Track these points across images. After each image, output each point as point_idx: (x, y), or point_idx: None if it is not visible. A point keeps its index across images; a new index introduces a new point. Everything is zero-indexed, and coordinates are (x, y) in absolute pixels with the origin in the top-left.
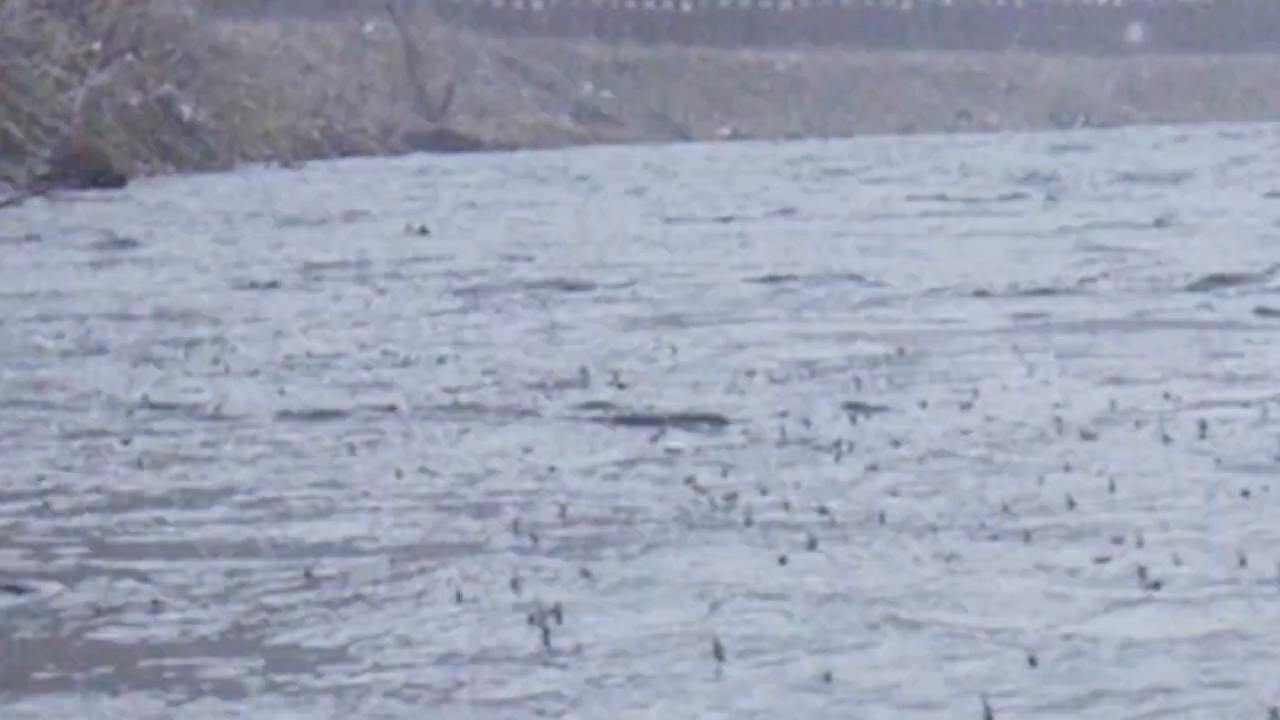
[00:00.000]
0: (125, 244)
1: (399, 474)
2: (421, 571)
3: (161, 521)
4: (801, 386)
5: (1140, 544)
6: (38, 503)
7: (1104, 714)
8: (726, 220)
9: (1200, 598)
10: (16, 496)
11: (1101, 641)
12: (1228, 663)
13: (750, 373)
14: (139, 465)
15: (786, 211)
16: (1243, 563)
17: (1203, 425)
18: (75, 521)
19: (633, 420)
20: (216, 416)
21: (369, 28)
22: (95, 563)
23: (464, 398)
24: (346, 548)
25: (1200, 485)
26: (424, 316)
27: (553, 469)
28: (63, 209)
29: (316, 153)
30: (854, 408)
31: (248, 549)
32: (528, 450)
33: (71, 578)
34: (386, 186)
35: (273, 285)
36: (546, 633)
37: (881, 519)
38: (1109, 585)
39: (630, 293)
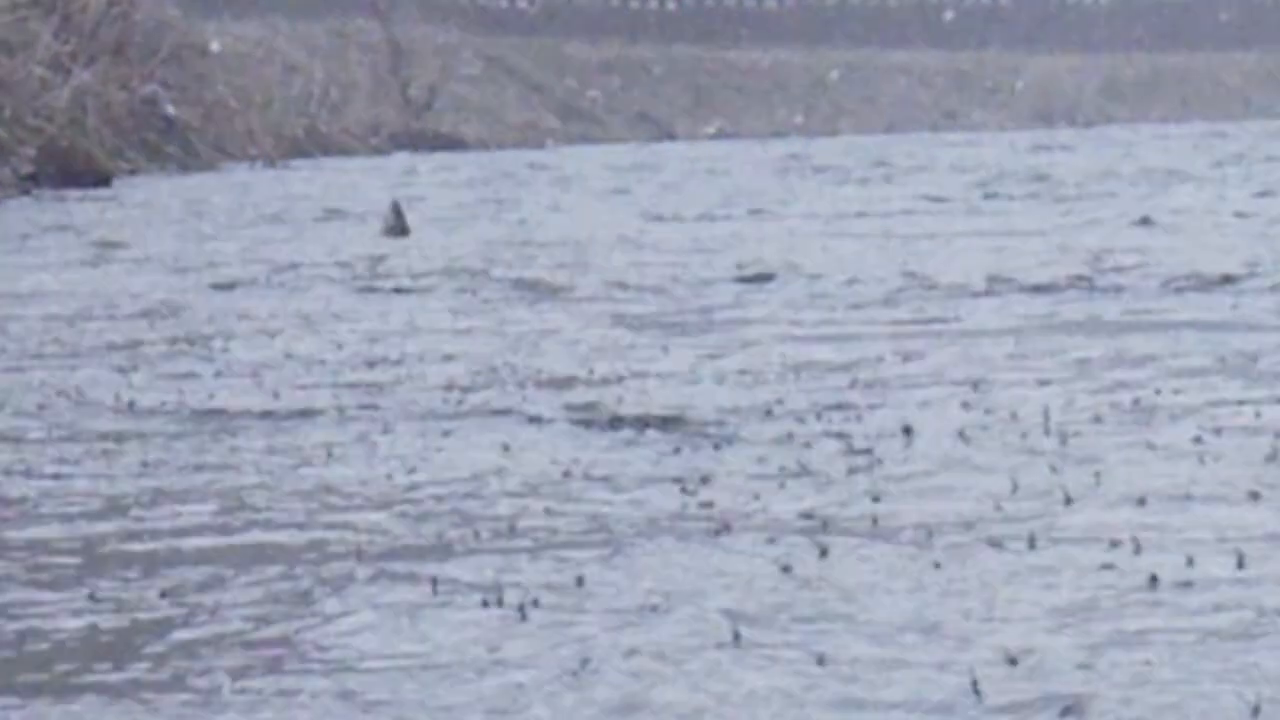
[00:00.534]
0: (108, 245)
1: (389, 476)
2: (408, 575)
3: (152, 528)
4: (793, 386)
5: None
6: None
7: None
8: (711, 219)
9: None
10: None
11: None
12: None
13: (741, 373)
14: (137, 468)
15: (769, 210)
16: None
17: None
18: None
19: (618, 423)
20: (203, 416)
21: (353, 27)
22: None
23: (447, 399)
24: (325, 552)
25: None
26: (405, 317)
27: (533, 471)
28: (47, 208)
29: (300, 152)
30: (844, 408)
31: (229, 553)
32: (507, 451)
33: (73, 583)
34: (369, 186)
35: (252, 284)
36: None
37: (874, 522)
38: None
39: (615, 293)
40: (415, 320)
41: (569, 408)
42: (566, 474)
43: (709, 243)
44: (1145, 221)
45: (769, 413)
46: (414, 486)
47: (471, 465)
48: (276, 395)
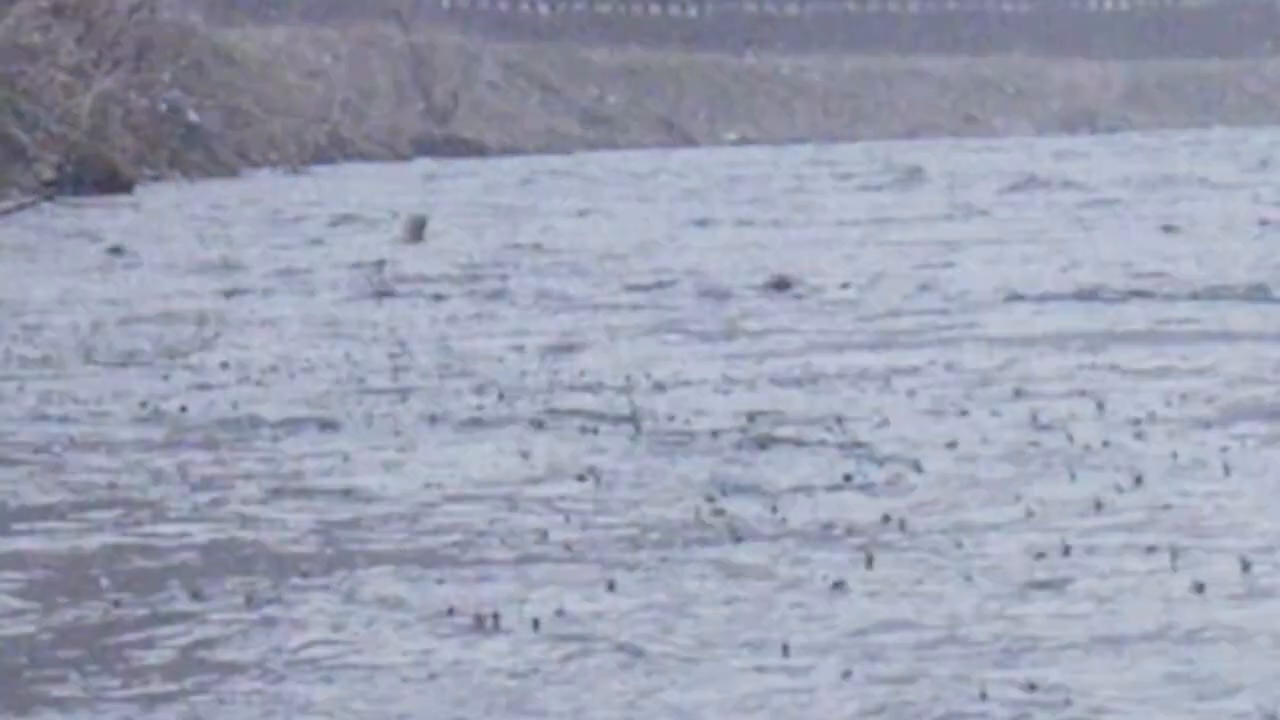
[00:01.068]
0: (129, 251)
1: (415, 484)
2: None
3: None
4: (819, 400)
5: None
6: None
7: None
8: (739, 225)
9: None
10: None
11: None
12: None
13: (771, 381)
14: (148, 476)
15: (792, 217)
16: None
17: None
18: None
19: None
20: (227, 424)
21: (375, 33)
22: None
23: (470, 406)
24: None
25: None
26: (424, 324)
27: (529, 484)
28: (70, 215)
29: (322, 158)
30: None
31: (235, 559)
32: (527, 457)
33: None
34: (390, 192)
35: (271, 291)
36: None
37: (903, 525)
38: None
39: (643, 299)
40: (435, 326)
41: (592, 415)
42: (583, 478)
43: (736, 248)
44: (1169, 229)
45: (820, 420)
46: (439, 493)
47: (496, 472)
48: (299, 402)
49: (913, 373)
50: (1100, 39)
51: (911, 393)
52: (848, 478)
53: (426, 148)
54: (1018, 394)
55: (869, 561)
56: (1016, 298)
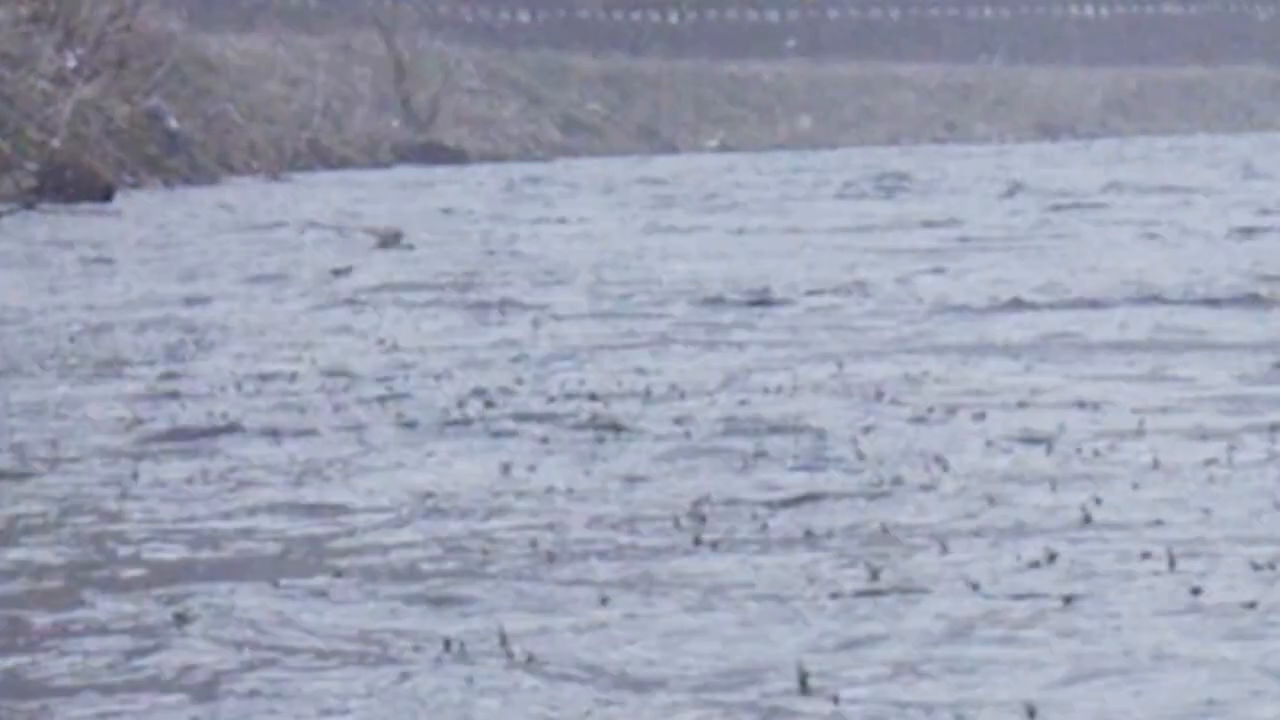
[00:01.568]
0: (106, 259)
1: (394, 491)
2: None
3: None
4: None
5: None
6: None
7: None
8: (712, 231)
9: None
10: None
11: None
12: None
13: (768, 390)
14: (118, 487)
15: (779, 225)
16: None
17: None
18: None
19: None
20: (205, 433)
21: (356, 41)
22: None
23: (448, 414)
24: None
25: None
26: (401, 331)
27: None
28: (49, 222)
29: (303, 165)
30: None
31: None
32: (507, 469)
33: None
34: (370, 200)
35: (248, 299)
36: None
37: (946, 542)
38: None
39: (620, 307)
40: (412, 334)
41: (573, 423)
42: (567, 490)
43: (714, 255)
44: (1153, 235)
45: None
46: (427, 502)
47: (478, 482)
48: (276, 409)
49: (910, 382)
50: (1080, 46)
51: (897, 404)
52: (841, 488)
53: (407, 155)
54: (1021, 405)
55: (874, 574)
56: (1013, 305)
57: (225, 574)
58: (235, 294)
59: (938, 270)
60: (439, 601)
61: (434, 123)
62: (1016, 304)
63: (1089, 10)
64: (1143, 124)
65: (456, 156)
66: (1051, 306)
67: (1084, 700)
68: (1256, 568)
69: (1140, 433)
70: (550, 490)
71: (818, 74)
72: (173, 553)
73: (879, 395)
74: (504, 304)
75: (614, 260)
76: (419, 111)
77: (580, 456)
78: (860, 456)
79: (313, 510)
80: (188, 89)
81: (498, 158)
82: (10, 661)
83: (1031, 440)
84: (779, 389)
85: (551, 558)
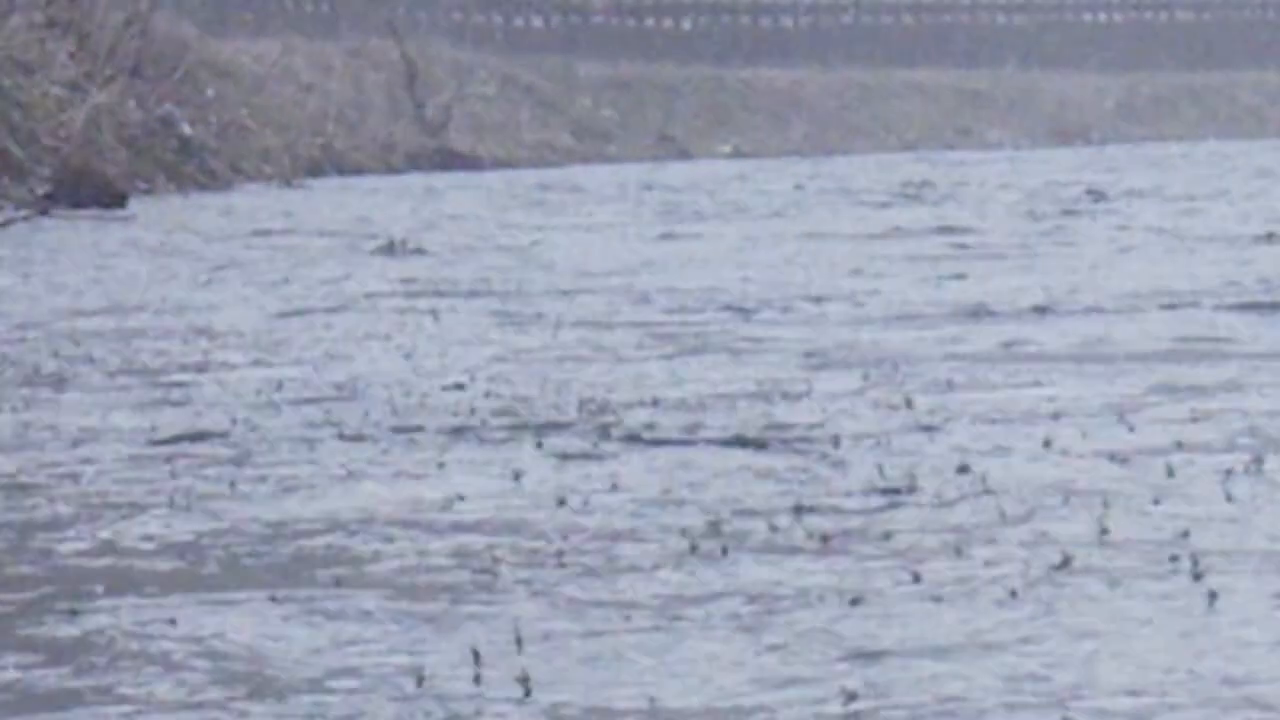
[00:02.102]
0: (122, 267)
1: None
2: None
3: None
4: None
5: None
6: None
7: None
8: (728, 238)
9: None
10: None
11: None
12: None
13: (786, 396)
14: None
15: (790, 229)
16: None
17: None
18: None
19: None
20: (230, 444)
21: (369, 46)
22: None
23: (459, 420)
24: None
25: None
26: (413, 339)
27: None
28: (63, 229)
29: (316, 171)
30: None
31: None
32: (519, 479)
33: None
34: (383, 206)
35: (260, 307)
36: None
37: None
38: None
39: (628, 315)
40: (424, 340)
41: (591, 432)
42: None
43: (723, 263)
44: (1175, 240)
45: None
46: (448, 510)
47: (490, 491)
48: (291, 416)
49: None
50: (1093, 52)
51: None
52: (859, 497)
53: (420, 161)
54: (1050, 415)
55: (902, 580)
56: (1038, 311)
57: (218, 585)
58: (248, 300)
59: (960, 276)
60: (438, 616)
61: (447, 129)
62: (1041, 310)
63: (1102, 16)
64: (1156, 129)
65: (470, 162)
66: (1078, 312)
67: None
68: None
69: (1172, 445)
70: (562, 501)
71: (831, 80)
72: (160, 564)
73: (908, 403)
74: (518, 310)
75: (630, 267)
76: (432, 117)
77: (598, 464)
78: (881, 468)
79: (323, 518)
80: (201, 95)
81: (511, 164)
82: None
83: (1055, 449)
84: (800, 397)
85: (563, 567)
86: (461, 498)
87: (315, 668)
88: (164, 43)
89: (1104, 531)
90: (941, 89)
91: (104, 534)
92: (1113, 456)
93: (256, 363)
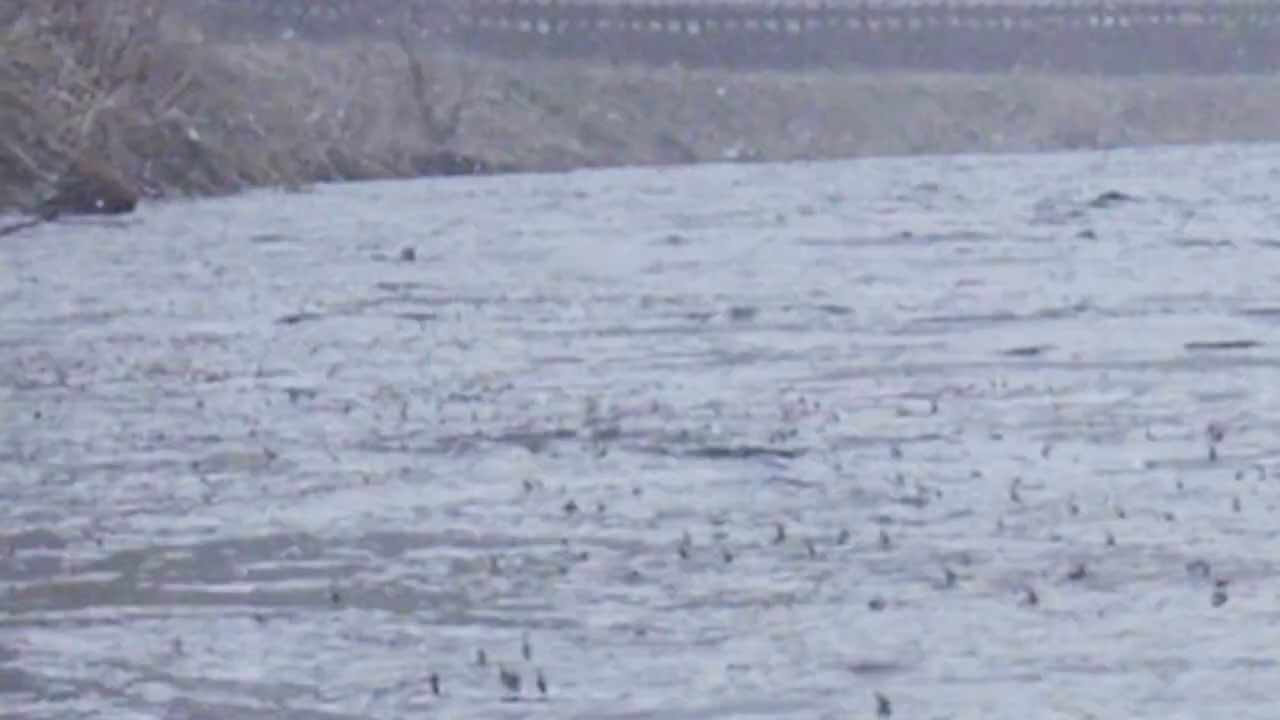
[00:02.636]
0: (131, 273)
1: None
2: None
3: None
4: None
5: None
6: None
7: None
8: (739, 241)
9: None
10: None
11: None
12: None
13: (804, 401)
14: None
15: (804, 234)
16: None
17: None
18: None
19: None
20: (248, 451)
21: (375, 51)
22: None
23: (467, 427)
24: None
25: None
26: (426, 344)
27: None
28: (72, 234)
29: (323, 176)
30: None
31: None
32: (530, 488)
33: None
34: (390, 211)
35: (268, 314)
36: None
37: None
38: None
39: (638, 322)
40: (435, 348)
41: (599, 440)
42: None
43: (743, 270)
44: (1194, 245)
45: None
46: (450, 520)
47: (502, 499)
48: (313, 427)
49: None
50: (1099, 56)
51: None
52: (869, 504)
53: (427, 165)
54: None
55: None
56: (1057, 314)
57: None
58: (254, 307)
59: (973, 282)
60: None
61: (454, 133)
62: (1055, 314)
63: (1108, 20)
64: (1162, 133)
65: (477, 167)
66: (1095, 317)
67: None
68: None
69: (1210, 458)
70: (573, 508)
71: (837, 84)
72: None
73: (934, 409)
74: (526, 317)
75: (639, 272)
76: (439, 122)
77: (609, 473)
78: (898, 478)
79: (328, 525)
80: (208, 100)
81: (518, 168)
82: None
83: (1069, 458)
84: (817, 406)
85: (568, 575)
86: (471, 503)
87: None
88: (171, 48)
89: (1110, 542)
90: (948, 93)
91: (113, 546)
92: (1130, 467)
93: (260, 372)
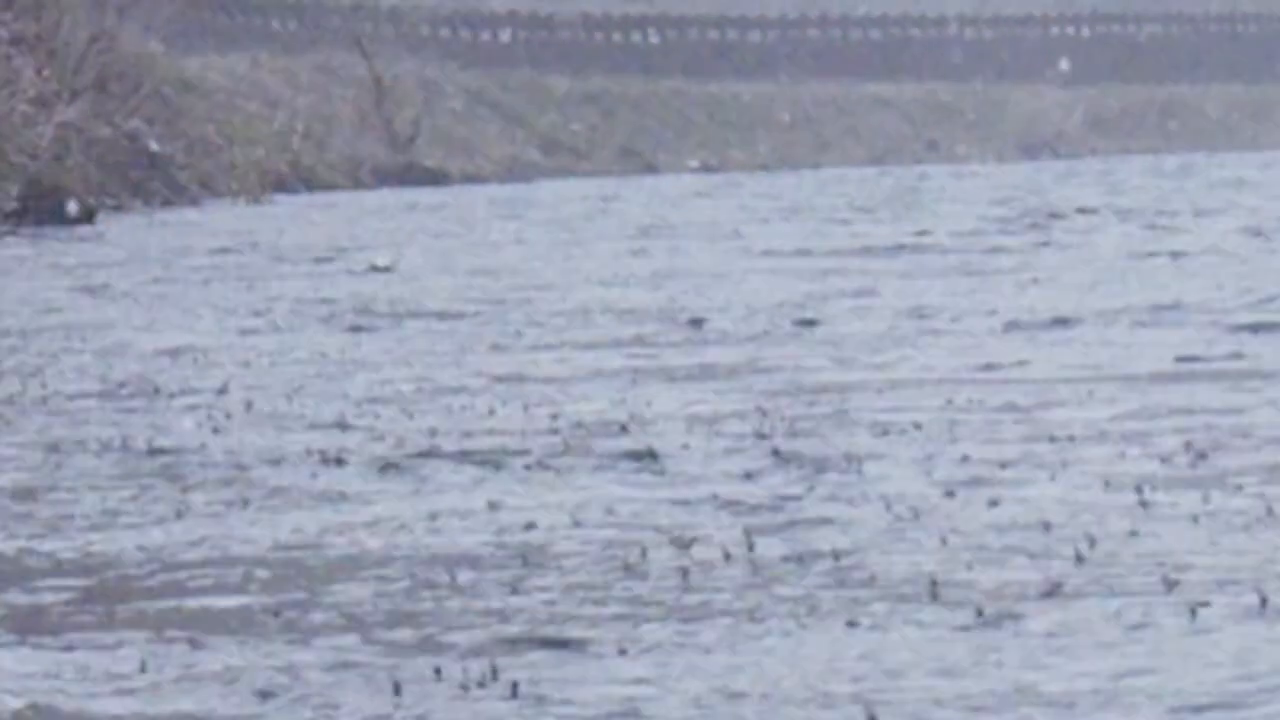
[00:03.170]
0: (88, 287)
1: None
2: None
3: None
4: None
5: None
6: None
7: None
8: (711, 254)
9: None
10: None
11: None
12: None
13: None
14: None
15: (776, 246)
16: None
17: None
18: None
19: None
20: (235, 463)
21: (336, 62)
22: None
23: (419, 445)
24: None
25: None
26: (395, 357)
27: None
28: (30, 246)
29: (284, 187)
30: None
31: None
32: (494, 507)
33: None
34: (352, 222)
35: (233, 329)
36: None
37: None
38: None
39: (613, 335)
40: (406, 363)
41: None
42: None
43: (722, 282)
44: (1176, 255)
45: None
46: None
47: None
48: (295, 440)
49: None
50: (1061, 66)
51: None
52: (862, 520)
53: (388, 176)
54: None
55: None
56: (1013, 326)
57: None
58: (217, 321)
59: (953, 293)
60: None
61: (415, 144)
62: (1014, 326)
63: (1070, 30)
64: (1124, 143)
65: (438, 178)
66: (1069, 329)
67: None
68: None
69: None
70: (531, 526)
71: (799, 94)
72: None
73: (916, 426)
74: (484, 332)
75: (605, 288)
76: (400, 133)
77: (580, 490)
78: (890, 502)
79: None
80: (168, 111)
81: (479, 178)
82: None
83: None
84: (810, 419)
85: (577, 589)
86: (434, 517)
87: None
88: (131, 59)
89: (1081, 559)
90: (909, 103)
91: (68, 552)
92: (1108, 483)
93: (220, 387)
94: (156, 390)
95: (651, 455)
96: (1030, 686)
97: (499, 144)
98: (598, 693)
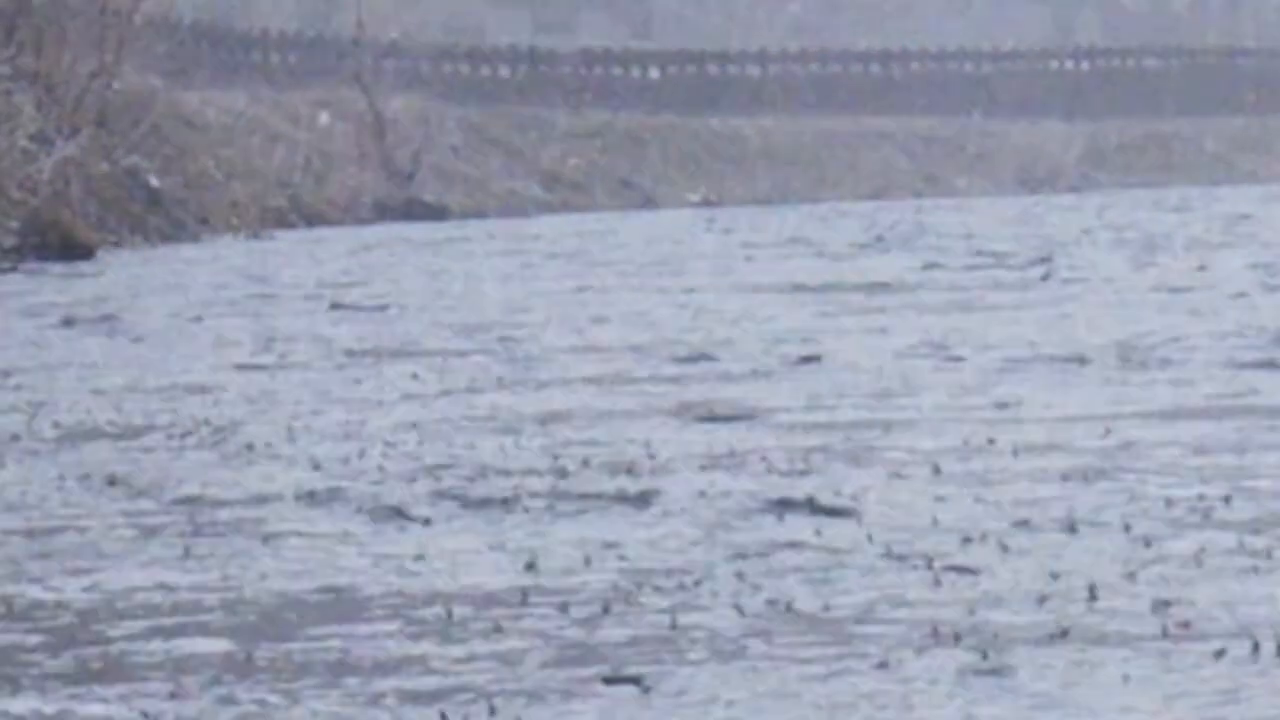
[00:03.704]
0: (86, 322)
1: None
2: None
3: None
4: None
5: None
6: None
7: None
8: (719, 291)
9: None
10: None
11: None
12: None
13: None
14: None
15: (780, 280)
16: None
17: None
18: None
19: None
20: (242, 503)
21: (336, 97)
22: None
23: (406, 490)
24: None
25: None
26: (388, 400)
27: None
28: (29, 281)
29: (284, 222)
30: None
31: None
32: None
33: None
34: (350, 258)
35: (234, 366)
36: None
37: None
38: None
39: (618, 373)
40: (403, 402)
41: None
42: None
43: (733, 319)
44: (1174, 290)
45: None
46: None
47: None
48: (298, 481)
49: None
50: (1060, 100)
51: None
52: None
53: (388, 211)
54: (1092, 474)
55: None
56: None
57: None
58: (224, 361)
59: (959, 329)
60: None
61: (415, 179)
62: (1024, 363)
63: (1069, 64)
64: (1122, 177)
65: (438, 213)
66: (1101, 361)
67: None
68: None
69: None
70: (531, 566)
71: (798, 128)
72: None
73: (935, 469)
74: (496, 368)
75: (606, 324)
76: (400, 168)
77: (587, 529)
78: (888, 533)
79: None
80: (168, 146)
81: (479, 213)
82: None
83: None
84: (811, 455)
85: (581, 633)
86: (420, 557)
87: None
88: (130, 94)
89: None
90: (909, 137)
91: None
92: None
93: (219, 425)
94: (153, 428)
95: (652, 496)
96: None
97: (499, 179)
98: None
